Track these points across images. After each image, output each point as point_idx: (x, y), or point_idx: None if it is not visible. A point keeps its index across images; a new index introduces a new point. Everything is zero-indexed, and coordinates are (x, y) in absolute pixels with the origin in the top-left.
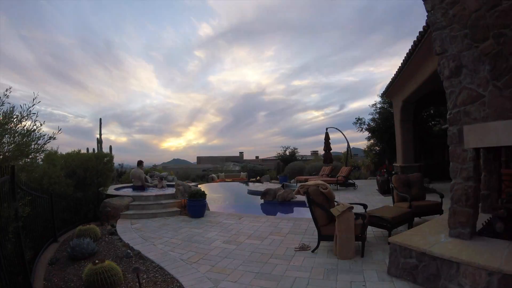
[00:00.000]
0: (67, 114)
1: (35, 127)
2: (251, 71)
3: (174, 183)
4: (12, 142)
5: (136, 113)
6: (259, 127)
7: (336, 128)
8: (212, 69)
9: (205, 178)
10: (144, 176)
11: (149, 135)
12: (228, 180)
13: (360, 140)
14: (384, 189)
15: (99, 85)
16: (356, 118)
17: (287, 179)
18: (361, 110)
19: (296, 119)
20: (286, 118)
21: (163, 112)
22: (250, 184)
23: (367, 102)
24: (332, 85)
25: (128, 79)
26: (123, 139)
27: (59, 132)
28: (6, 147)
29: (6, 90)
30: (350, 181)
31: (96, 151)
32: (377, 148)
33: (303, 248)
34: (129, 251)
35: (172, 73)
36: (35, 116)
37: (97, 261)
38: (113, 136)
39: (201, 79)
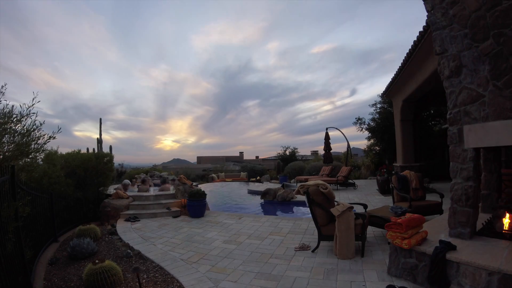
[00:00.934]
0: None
1: (34, 126)
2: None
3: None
4: (12, 142)
5: (102, 104)
6: (253, 122)
7: (336, 128)
8: (191, 21)
9: (205, 178)
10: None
11: (131, 132)
12: (228, 180)
13: (360, 140)
14: (384, 189)
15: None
16: (356, 118)
17: (287, 179)
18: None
19: (297, 110)
20: (286, 107)
21: (129, 102)
22: (250, 184)
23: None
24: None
25: (78, 47)
26: (106, 137)
27: (59, 131)
28: (6, 147)
29: (2, 87)
30: (350, 181)
31: (96, 151)
32: (377, 148)
33: (303, 248)
34: (129, 251)
35: (132, 32)
36: (35, 115)
37: (97, 261)
38: (95, 134)
39: (177, 40)
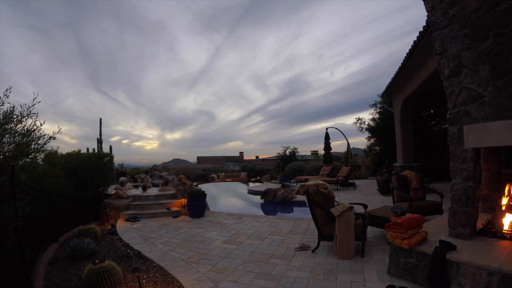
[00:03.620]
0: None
1: (35, 127)
2: None
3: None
4: (12, 142)
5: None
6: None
7: (337, 128)
8: None
9: (205, 178)
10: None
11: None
12: (228, 180)
13: (360, 138)
14: (384, 189)
15: None
16: (356, 118)
17: (287, 179)
18: None
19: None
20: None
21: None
22: (250, 184)
23: None
24: None
25: None
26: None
27: (59, 132)
28: (6, 147)
29: (6, 90)
30: (350, 181)
31: (96, 151)
32: (377, 148)
33: (303, 248)
34: (129, 251)
35: None
36: (35, 115)
37: (97, 261)
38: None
39: None
